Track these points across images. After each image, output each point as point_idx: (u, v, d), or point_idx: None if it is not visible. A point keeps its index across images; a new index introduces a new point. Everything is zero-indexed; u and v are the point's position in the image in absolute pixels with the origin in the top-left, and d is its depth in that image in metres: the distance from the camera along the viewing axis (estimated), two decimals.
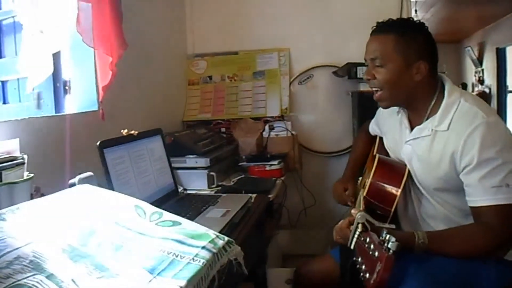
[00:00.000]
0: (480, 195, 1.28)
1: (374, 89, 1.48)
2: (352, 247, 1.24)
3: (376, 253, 1.04)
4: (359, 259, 1.13)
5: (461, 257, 1.31)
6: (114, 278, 0.80)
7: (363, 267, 1.09)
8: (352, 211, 1.30)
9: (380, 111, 1.73)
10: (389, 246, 1.02)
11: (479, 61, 6.11)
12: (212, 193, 1.97)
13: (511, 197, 1.25)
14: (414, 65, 1.39)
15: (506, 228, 1.27)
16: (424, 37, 1.42)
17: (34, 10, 1.40)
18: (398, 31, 1.40)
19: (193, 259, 0.88)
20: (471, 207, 1.32)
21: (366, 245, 1.11)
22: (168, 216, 1.04)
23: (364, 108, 2.43)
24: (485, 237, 1.28)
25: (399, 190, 1.42)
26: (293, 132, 2.74)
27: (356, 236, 1.21)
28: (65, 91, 1.85)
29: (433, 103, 1.42)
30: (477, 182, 1.28)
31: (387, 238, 1.04)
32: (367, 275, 1.05)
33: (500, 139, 1.28)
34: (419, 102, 1.44)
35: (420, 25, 1.45)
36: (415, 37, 1.41)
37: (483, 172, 1.27)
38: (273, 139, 2.72)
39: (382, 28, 1.45)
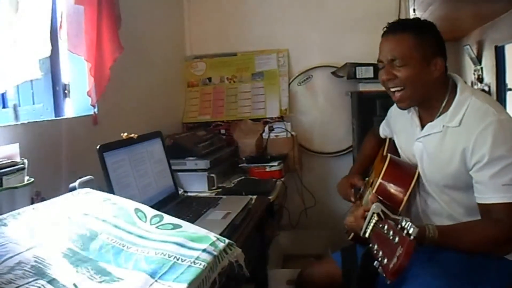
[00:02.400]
0: (491, 193, 1.29)
1: (394, 89, 1.46)
2: (366, 235, 1.25)
3: (397, 238, 1.05)
4: (375, 246, 1.14)
5: (470, 252, 1.33)
6: (115, 282, 0.81)
7: (380, 253, 1.10)
8: (370, 196, 1.35)
9: (391, 111, 1.74)
10: (410, 232, 1.03)
11: (478, 59, 6.09)
12: (213, 195, 1.97)
13: None
14: (432, 62, 1.41)
15: None
16: (436, 34, 1.45)
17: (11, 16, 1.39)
18: (414, 30, 1.42)
19: (194, 262, 0.88)
20: (480, 204, 1.33)
21: (385, 231, 1.12)
22: (169, 219, 1.04)
23: (363, 108, 2.43)
24: (495, 232, 1.30)
25: (408, 192, 1.43)
26: (293, 133, 2.74)
27: (371, 225, 1.23)
28: (65, 95, 1.85)
29: (445, 101, 1.44)
30: (488, 180, 1.29)
31: (406, 225, 1.05)
32: (385, 260, 1.06)
33: (511, 136, 1.29)
34: (433, 100, 1.46)
35: (430, 23, 1.47)
36: (429, 35, 1.43)
37: (494, 170, 1.28)
38: (273, 140, 2.72)
39: (396, 28, 1.46)
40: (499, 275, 1.37)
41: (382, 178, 1.47)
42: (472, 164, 1.33)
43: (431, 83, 1.43)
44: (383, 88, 1.53)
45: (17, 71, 1.40)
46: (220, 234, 1.05)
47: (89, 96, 1.74)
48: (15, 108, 1.44)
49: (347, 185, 1.76)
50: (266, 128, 2.76)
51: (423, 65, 1.41)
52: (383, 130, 1.82)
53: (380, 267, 1.09)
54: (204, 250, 0.93)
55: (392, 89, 1.47)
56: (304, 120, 2.92)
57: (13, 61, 1.38)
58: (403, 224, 1.06)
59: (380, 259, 1.09)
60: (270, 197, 1.98)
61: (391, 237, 1.08)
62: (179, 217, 1.07)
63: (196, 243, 0.95)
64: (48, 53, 1.48)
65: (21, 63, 1.41)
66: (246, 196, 1.80)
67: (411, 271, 1.43)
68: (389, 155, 1.56)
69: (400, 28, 1.45)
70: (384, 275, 1.06)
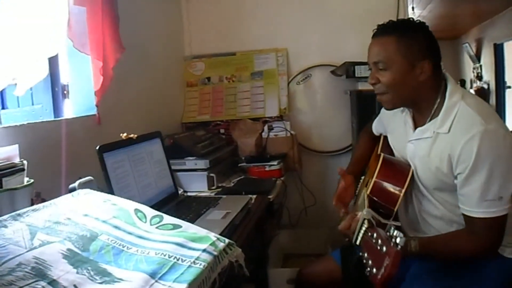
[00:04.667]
0: (473, 207, 1.28)
1: (377, 93, 1.45)
2: (357, 243, 1.24)
3: (384, 248, 1.04)
4: (365, 255, 1.13)
5: (448, 263, 1.37)
6: (115, 283, 0.81)
7: (370, 262, 1.09)
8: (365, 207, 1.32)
9: (385, 110, 1.72)
10: (397, 241, 1.02)
11: (477, 57, 6.11)
12: (212, 194, 1.97)
13: (503, 209, 1.26)
14: (418, 65, 1.36)
15: (494, 239, 1.29)
16: (426, 36, 1.40)
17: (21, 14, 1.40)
18: (399, 32, 1.38)
19: (194, 262, 0.89)
20: (463, 213, 1.32)
21: (374, 240, 1.11)
22: (169, 219, 1.05)
23: (363, 106, 2.43)
24: (473, 247, 1.30)
25: (403, 190, 1.41)
26: (292, 132, 2.74)
27: (362, 232, 1.22)
28: (64, 95, 1.85)
29: (437, 103, 1.40)
30: (471, 193, 1.28)
31: (395, 233, 1.04)
32: (374, 270, 1.05)
33: (496, 149, 1.26)
34: (423, 102, 1.42)
35: (421, 24, 1.42)
36: (417, 37, 1.38)
37: (477, 184, 1.26)
38: (272, 139, 2.72)
39: (383, 31, 1.41)
40: (499, 273, 1.38)
41: (376, 177, 1.46)
42: (456, 173, 1.32)
43: (416, 87, 1.38)
44: None
45: (30, 72, 1.41)
46: (220, 234, 1.05)
47: (96, 96, 1.74)
48: None
49: (338, 197, 1.67)
50: (266, 128, 2.76)
51: (407, 69, 1.36)
52: (376, 128, 1.80)
53: (369, 276, 1.09)
54: (204, 250, 0.93)
55: (376, 93, 1.46)
56: (304, 119, 2.93)
57: (26, 63, 1.40)
58: (391, 232, 1.06)
59: (369, 268, 1.09)
60: (269, 197, 1.98)
61: (379, 247, 1.07)
62: (179, 217, 1.07)
63: (196, 243, 0.95)
64: (56, 52, 1.49)
65: (34, 64, 1.42)
66: (246, 195, 1.81)
67: (410, 271, 1.43)
68: (382, 154, 1.56)
69: (385, 30, 1.41)
70: (374, 285, 1.06)
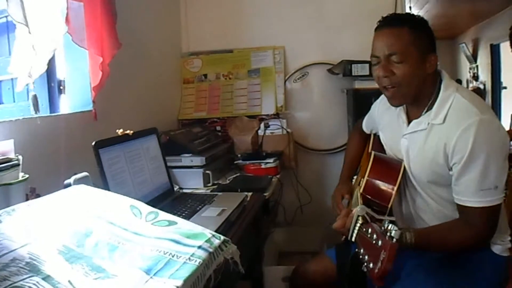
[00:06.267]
0: (468, 196, 1.29)
1: (389, 86, 1.40)
2: (353, 239, 1.25)
3: (380, 242, 1.05)
4: (361, 250, 1.14)
5: (444, 253, 1.39)
6: (110, 279, 0.80)
7: (366, 257, 1.10)
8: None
9: (376, 107, 1.72)
10: (392, 234, 1.03)
11: (474, 57, 6.14)
12: (208, 192, 1.97)
13: (498, 198, 1.28)
14: (427, 58, 1.37)
15: (488, 227, 1.30)
16: (430, 30, 1.41)
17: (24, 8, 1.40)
18: (410, 24, 1.37)
19: (189, 258, 0.89)
20: (457, 203, 1.33)
21: (369, 235, 1.12)
22: (164, 215, 1.04)
23: (359, 105, 2.44)
24: (469, 236, 1.31)
25: (395, 187, 1.42)
26: (288, 130, 2.74)
27: (357, 228, 1.23)
28: (60, 91, 1.84)
29: (433, 97, 1.40)
30: (467, 183, 1.29)
31: (389, 227, 1.05)
32: (371, 264, 1.06)
33: (492, 139, 1.27)
34: (422, 96, 1.42)
35: (424, 19, 1.43)
36: (425, 30, 1.39)
37: (474, 173, 1.27)
38: (269, 137, 2.72)
39: (395, 22, 1.40)
40: (490, 270, 1.39)
41: (368, 176, 1.47)
42: (452, 163, 1.32)
43: (424, 80, 1.39)
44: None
45: (37, 64, 1.41)
46: (216, 231, 1.05)
47: (94, 91, 1.73)
48: (35, 99, 1.43)
49: (339, 199, 1.70)
50: (262, 125, 2.76)
51: (420, 61, 1.36)
52: (367, 125, 1.80)
53: (367, 272, 1.09)
54: (199, 247, 0.93)
55: (387, 86, 1.41)
56: (300, 117, 2.93)
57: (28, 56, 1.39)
58: (386, 226, 1.07)
59: (366, 263, 1.09)
60: (265, 194, 1.98)
61: (374, 241, 1.08)
62: (174, 214, 1.07)
63: (192, 240, 0.95)
64: (55, 47, 1.49)
65: (35, 57, 1.41)
66: (242, 193, 1.80)
67: (404, 267, 1.44)
68: (373, 152, 1.56)
69: (397, 22, 1.39)
70: (371, 279, 1.06)
